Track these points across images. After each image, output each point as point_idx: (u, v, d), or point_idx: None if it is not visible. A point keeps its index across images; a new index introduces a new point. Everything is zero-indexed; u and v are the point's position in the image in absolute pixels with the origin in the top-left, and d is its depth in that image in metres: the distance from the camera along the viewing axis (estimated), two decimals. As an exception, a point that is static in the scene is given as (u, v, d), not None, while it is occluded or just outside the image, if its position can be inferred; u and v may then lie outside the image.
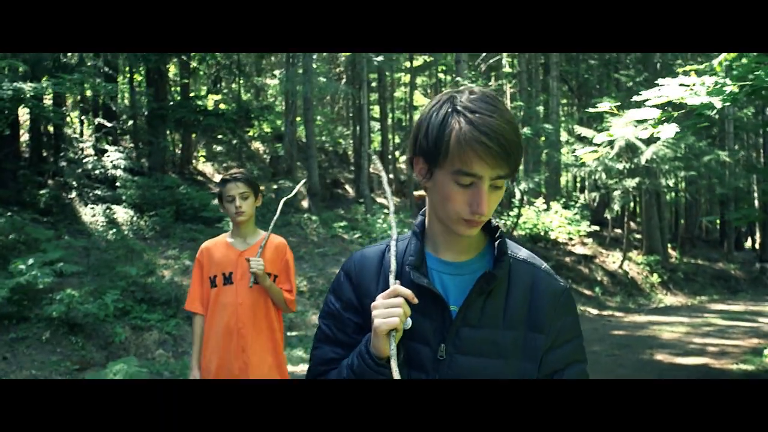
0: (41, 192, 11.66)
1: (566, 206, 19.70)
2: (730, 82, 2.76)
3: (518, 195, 17.48)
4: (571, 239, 20.29)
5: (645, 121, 2.80)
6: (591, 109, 2.90)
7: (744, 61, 2.98)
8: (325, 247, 13.26)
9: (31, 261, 7.35)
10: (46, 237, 8.83)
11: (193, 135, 18.53)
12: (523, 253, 1.51)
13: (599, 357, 8.58)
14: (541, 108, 21.41)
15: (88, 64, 12.64)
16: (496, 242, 1.47)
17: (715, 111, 2.73)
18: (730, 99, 2.79)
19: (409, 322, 1.39)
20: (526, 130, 16.34)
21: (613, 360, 8.37)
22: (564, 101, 28.33)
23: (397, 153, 26.41)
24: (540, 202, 19.71)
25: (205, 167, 19.93)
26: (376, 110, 24.95)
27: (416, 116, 24.58)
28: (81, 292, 7.32)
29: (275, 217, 3.30)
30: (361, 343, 1.42)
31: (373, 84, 21.82)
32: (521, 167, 20.55)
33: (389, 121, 24.79)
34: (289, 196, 3.63)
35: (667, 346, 9.59)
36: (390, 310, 1.33)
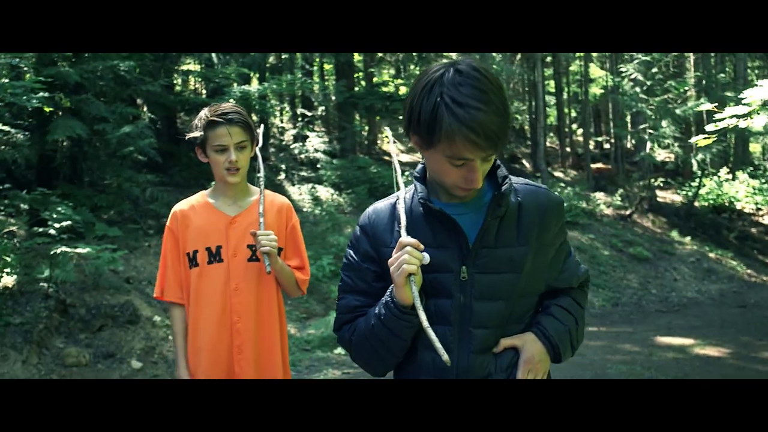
0: (258, 175, 13.71)
1: (753, 175, 19.05)
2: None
3: (695, 165, 17.19)
4: (759, 209, 19.59)
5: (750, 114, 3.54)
6: (700, 108, 3.55)
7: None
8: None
9: (265, 232, 9.17)
10: (270, 213, 10.71)
11: (377, 118, 20.20)
12: (520, 179, 1.64)
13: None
14: (723, 75, 20.58)
15: (299, 63, 14.61)
16: (497, 170, 1.58)
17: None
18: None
19: (427, 257, 1.50)
20: (702, 99, 16.11)
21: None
22: (754, 63, 26.77)
23: (574, 126, 26.58)
24: (724, 171, 19.22)
25: (389, 147, 21.55)
26: (551, 85, 25.27)
27: (592, 89, 24.30)
28: (304, 257, 9.03)
29: (261, 171, 2.52)
30: (386, 294, 1.54)
31: (548, 59, 22.25)
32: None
33: (564, 95, 25.04)
34: (259, 146, 2.52)
35: None
36: (401, 260, 1.45)
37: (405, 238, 1.48)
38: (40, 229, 6.38)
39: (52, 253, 6.15)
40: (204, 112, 2.43)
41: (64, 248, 6.14)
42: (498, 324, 1.56)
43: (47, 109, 6.69)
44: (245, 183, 2.53)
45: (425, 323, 1.40)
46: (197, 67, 12.55)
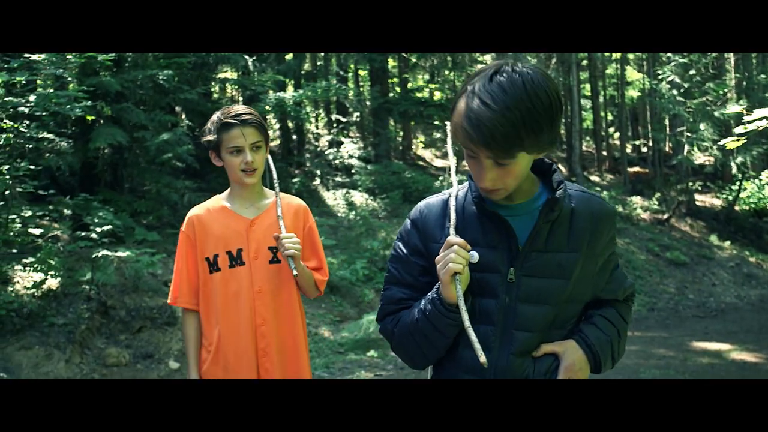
0: (293, 181, 13.91)
1: (797, 178, 18.62)
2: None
3: (735, 169, 16.89)
4: (802, 213, 19.14)
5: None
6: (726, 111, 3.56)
7: None
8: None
9: (299, 236, 9.32)
10: (305, 218, 10.88)
11: (412, 123, 20.28)
12: (575, 186, 1.62)
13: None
14: (764, 76, 20.18)
15: (334, 70, 14.77)
16: (553, 174, 1.57)
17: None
18: None
19: (476, 256, 1.52)
20: (742, 101, 15.83)
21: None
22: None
23: (610, 130, 26.30)
24: (766, 174, 18.82)
25: (424, 153, 21.61)
26: (587, 88, 25.05)
27: (628, 92, 23.99)
28: (337, 261, 9.13)
29: (274, 173, 2.48)
30: (432, 290, 1.55)
31: (584, 63, 22.08)
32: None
33: (600, 98, 24.79)
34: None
35: None
36: (447, 258, 1.46)
37: (452, 237, 1.49)
38: (83, 234, 6.60)
39: (93, 256, 6.36)
40: (216, 115, 2.41)
41: (105, 252, 6.35)
42: (541, 328, 1.56)
43: (89, 118, 6.90)
44: (260, 185, 2.49)
45: (467, 323, 1.42)
46: (234, 75, 12.78)
